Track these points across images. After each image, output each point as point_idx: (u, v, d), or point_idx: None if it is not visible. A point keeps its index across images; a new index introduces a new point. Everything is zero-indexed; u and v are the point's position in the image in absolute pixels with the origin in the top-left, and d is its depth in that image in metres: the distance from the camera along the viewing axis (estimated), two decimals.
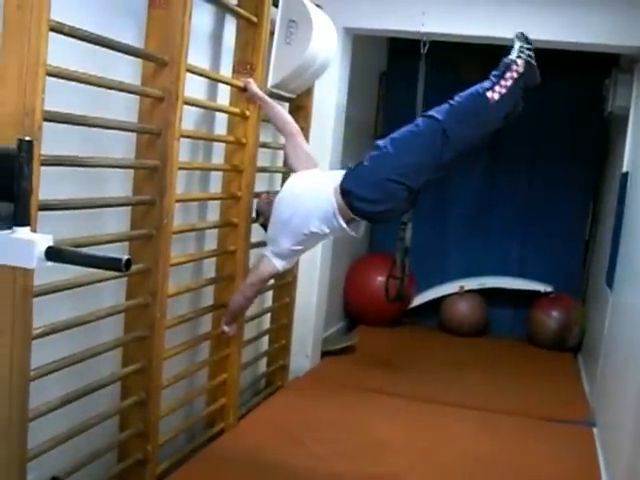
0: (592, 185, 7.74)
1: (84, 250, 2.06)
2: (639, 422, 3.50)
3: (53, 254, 1.84)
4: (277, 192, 4.18)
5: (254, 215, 4.31)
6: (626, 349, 4.33)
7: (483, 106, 3.75)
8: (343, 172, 3.88)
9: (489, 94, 3.73)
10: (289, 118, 4.21)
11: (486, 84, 3.75)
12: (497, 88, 3.74)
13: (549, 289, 7.52)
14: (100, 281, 3.07)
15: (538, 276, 7.64)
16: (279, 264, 3.99)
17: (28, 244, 1.82)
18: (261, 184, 4.62)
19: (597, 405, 5.30)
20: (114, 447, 3.46)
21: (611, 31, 5.03)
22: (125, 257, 1.84)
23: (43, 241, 1.84)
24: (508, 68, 3.75)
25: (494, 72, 3.78)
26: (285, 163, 4.29)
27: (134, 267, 2.99)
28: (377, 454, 4.37)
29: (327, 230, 3.93)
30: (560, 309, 7.27)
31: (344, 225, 3.87)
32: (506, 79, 3.74)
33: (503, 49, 3.90)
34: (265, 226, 4.12)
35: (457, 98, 3.80)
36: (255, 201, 4.29)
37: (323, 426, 4.75)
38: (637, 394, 3.60)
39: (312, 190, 3.92)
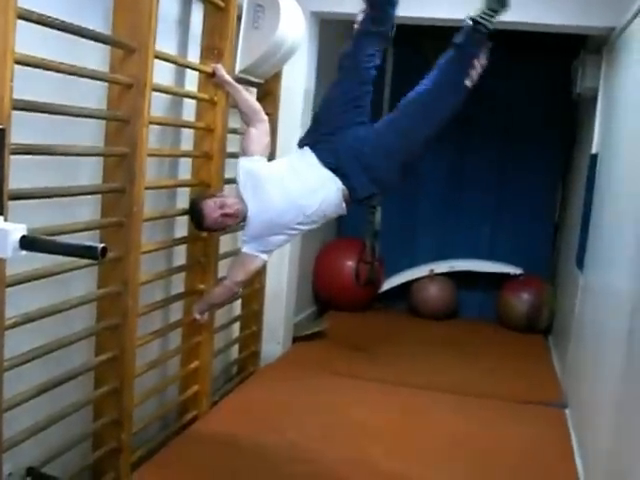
0: (561, 167, 7.77)
1: (58, 239, 2.05)
2: (616, 401, 3.53)
3: (27, 243, 1.83)
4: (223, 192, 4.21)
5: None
6: (597, 330, 4.37)
7: (462, 94, 3.89)
8: (314, 157, 3.92)
9: (468, 82, 3.85)
10: (258, 105, 4.19)
11: (466, 72, 3.83)
12: (476, 73, 3.84)
13: (519, 271, 7.55)
14: (71, 270, 3.05)
15: (508, 258, 7.66)
16: (266, 257, 4.06)
17: (2, 233, 1.80)
18: (231, 170, 4.60)
19: (569, 386, 5.34)
20: (89, 436, 3.45)
21: (580, 12, 5.05)
22: (100, 245, 1.83)
23: (17, 230, 1.82)
24: (477, 55, 3.82)
25: (464, 52, 3.84)
26: (242, 146, 4.19)
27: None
28: (350, 438, 4.38)
29: (324, 222, 4.10)
30: (530, 291, 7.30)
31: (345, 213, 4.07)
32: (476, 67, 3.83)
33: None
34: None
35: (433, 96, 3.88)
36: (205, 204, 3.93)
37: (296, 411, 4.76)
38: (613, 375, 3.64)
39: (318, 197, 3.91)
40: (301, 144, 4.03)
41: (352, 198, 3.94)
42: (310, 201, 3.89)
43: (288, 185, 3.92)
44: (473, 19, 3.76)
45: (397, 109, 3.92)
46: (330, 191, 3.89)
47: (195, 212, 3.96)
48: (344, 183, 3.88)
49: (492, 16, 3.76)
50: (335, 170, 3.88)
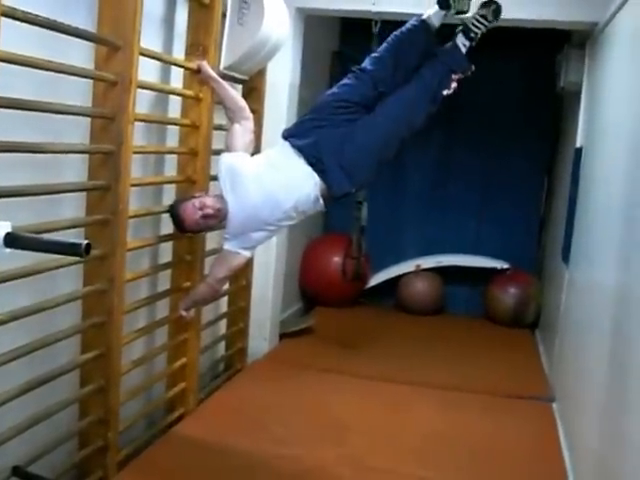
0: (546, 161, 7.78)
1: (43, 236, 2.04)
2: (602, 394, 3.54)
3: (11, 241, 1.82)
4: (207, 192, 4.18)
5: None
6: (583, 324, 4.38)
7: (438, 102, 3.97)
8: (294, 152, 3.90)
9: (445, 92, 3.93)
10: (243, 102, 4.17)
11: (444, 83, 3.92)
12: (453, 85, 3.93)
13: (505, 266, 7.57)
14: (57, 268, 3.04)
15: (494, 253, 7.67)
16: (248, 253, 4.04)
17: None
18: (216, 167, 4.59)
19: (556, 380, 5.36)
20: (75, 435, 3.44)
21: (563, 8, 5.07)
22: (85, 242, 1.82)
23: (1, 228, 1.81)
24: (458, 69, 3.94)
25: (451, 66, 3.93)
26: (225, 143, 4.16)
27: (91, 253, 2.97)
28: (337, 435, 4.38)
29: (302, 218, 4.08)
30: (517, 286, 7.33)
31: (323, 209, 4.07)
32: (454, 80, 3.94)
33: (453, 27, 3.93)
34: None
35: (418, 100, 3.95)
36: (188, 205, 3.87)
37: (283, 408, 4.76)
38: (599, 369, 3.65)
39: (295, 193, 3.87)
40: (287, 134, 4.01)
41: (330, 195, 3.93)
42: (287, 196, 3.87)
43: (265, 180, 3.89)
44: (465, 24, 3.88)
45: (377, 112, 3.94)
46: (307, 187, 3.87)
47: (175, 215, 3.91)
48: (322, 178, 3.87)
49: (485, 25, 3.88)
50: (314, 164, 3.86)
